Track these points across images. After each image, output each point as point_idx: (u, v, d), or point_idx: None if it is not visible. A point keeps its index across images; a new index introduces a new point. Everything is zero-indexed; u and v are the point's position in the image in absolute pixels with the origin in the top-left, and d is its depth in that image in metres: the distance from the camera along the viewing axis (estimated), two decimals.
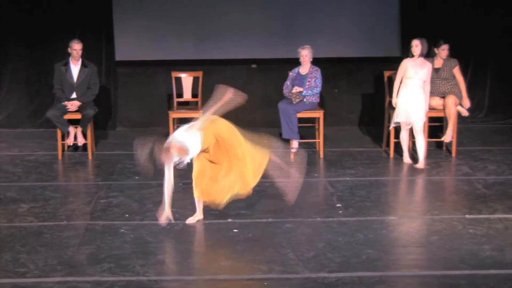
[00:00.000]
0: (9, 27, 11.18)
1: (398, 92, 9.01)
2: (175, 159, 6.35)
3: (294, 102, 9.41)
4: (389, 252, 6.06)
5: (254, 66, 11.55)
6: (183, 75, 10.43)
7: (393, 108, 9.16)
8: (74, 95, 9.58)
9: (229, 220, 6.89)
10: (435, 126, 10.08)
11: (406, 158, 9.13)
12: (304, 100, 9.46)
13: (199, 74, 10.37)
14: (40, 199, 7.65)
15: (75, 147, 9.88)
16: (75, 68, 9.62)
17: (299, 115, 9.41)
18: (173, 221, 6.59)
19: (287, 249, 6.12)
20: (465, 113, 9.55)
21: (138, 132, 11.21)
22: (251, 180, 6.67)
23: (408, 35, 10.26)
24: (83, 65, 9.64)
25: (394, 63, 10.02)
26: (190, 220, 6.80)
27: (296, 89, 9.43)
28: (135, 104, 11.63)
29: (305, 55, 9.56)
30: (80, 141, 9.57)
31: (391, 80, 9.76)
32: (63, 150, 9.62)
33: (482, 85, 11.68)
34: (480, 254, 5.97)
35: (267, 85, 11.37)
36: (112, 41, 11.37)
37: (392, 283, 5.44)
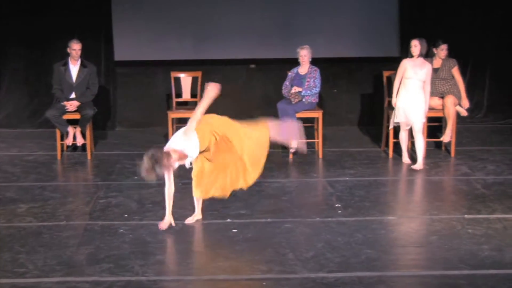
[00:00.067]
0: (9, 27, 11.17)
1: (397, 92, 9.01)
2: (175, 165, 6.36)
3: (293, 102, 9.41)
4: (388, 252, 6.07)
5: (253, 66, 11.55)
6: (182, 75, 10.43)
7: (393, 108, 9.16)
8: (73, 95, 9.58)
9: (228, 220, 6.90)
10: (434, 126, 10.08)
11: (405, 158, 9.13)
12: (303, 100, 9.46)
13: (198, 74, 10.37)
14: (39, 199, 7.65)
15: (74, 147, 9.88)
16: (74, 68, 9.62)
17: (298, 115, 9.41)
18: (174, 225, 6.59)
19: (286, 249, 6.12)
20: (464, 113, 9.55)
21: (137, 132, 11.26)
22: (252, 174, 6.67)
23: (407, 35, 10.26)
24: (82, 65, 9.64)
25: (393, 63, 10.02)
26: (189, 220, 6.81)
27: (295, 89, 9.43)
28: (134, 104, 11.63)
29: (304, 55, 9.56)
30: (79, 141, 9.57)
31: (390, 80, 9.77)
32: (62, 150, 9.62)
33: (481, 85, 11.68)
34: (479, 254, 5.97)
35: (266, 85, 11.37)
36: (111, 41, 11.37)
37: (391, 283, 5.44)
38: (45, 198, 7.69)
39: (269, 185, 8.14)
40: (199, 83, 10.33)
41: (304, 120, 9.73)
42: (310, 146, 9.97)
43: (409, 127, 9.00)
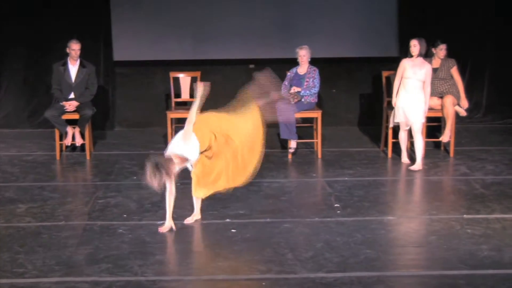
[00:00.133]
0: (8, 27, 11.17)
1: (397, 92, 9.00)
2: (178, 169, 6.38)
3: (292, 102, 9.41)
4: (387, 252, 6.07)
5: (252, 66, 11.53)
6: (181, 75, 10.43)
7: (392, 108, 9.16)
8: (72, 95, 9.58)
9: (228, 220, 6.90)
10: (433, 126, 10.09)
11: (404, 158, 9.13)
12: (302, 100, 9.46)
13: (197, 74, 10.37)
14: (38, 199, 7.65)
15: (73, 147, 9.88)
16: (73, 68, 9.62)
17: (297, 115, 9.41)
18: (174, 229, 6.59)
19: (285, 249, 6.12)
20: (463, 113, 9.55)
21: (136, 132, 11.27)
22: (253, 161, 6.75)
23: (406, 35, 10.27)
24: (82, 65, 9.64)
25: (392, 63, 10.03)
26: (189, 220, 6.81)
27: (294, 89, 9.43)
28: (133, 104, 11.63)
29: (303, 55, 9.56)
30: (78, 141, 9.57)
31: (389, 80, 9.77)
32: (61, 150, 9.62)
33: (480, 85, 11.68)
34: (478, 254, 5.97)
35: None
36: (110, 41, 11.37)
37: (390, 283, 5.44)
38: (44, 198, 7.69)
39: (268, 185, 8.14)
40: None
41: (303, 120, 9.76)
42: (309, 146, 9.98)
43: (408, 127, 8.99)
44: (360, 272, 5.62)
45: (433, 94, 9.28)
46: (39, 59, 11.22)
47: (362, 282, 5.43)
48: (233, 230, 6.61)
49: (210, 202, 7.22)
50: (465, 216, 6.98)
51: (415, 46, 8.87)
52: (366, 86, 11.69)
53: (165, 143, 10.04)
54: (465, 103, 9.48)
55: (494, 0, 11.40)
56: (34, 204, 7.44)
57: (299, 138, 9.60)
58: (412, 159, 9.00)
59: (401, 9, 11.41)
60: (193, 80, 10.38)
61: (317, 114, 9.54)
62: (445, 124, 9.41)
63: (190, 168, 6.54)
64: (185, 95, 10.37)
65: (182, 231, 6.60)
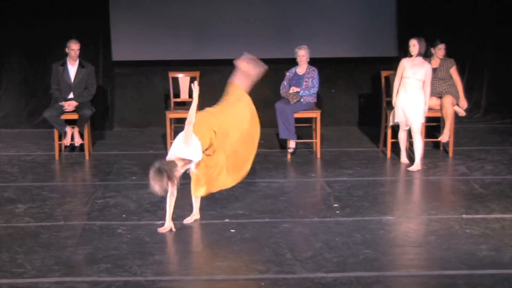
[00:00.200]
0: (7, 28, 11.16)
1: (397, 92, 8.99)
2: (181, 171, 6.38)
3: (292, 103, 9.41)
4: (386, 252, 6.06)
5: None
6: (180, 75, 10.42)
7: (391, 108, 9.16)
8: (71, 95, 9.58)
9: (226, 220, 6.90)
10: (432, 126, 10.09)
11: (403, 158, 9.13)
12: (301, 100, 9.46)
13: (196, 74, 10.36)
14: (37, 199, 7.65)
15: (72, 147, 9.87)
16: (72, 68, 9.62)
17: (296, 115, 9.41)
18: (174, 230, 6.59)
19: (284, 249, 6.12)
20: (462, 113, 9.55)
21: (135, 132, 11.27)
22: (249, 160, 6.83)
23: (405, 36, 10.27)
24: (81, 65, 9.64)
25: (391, 63, 10.04)
26: (188, 220, 6.81)
27: (293, 89, 9.43)
28: (132, 105, 11.63)
29: (302, 55, 9.56)
30: (77, 141, 9.57)
31: (388, 80, 9.78)
32: (60, 151, 9.61)
33: (479, 85, 11.68)
34: (477, 254, 5.97)
35: (264, 85, 11.30)
36: (109, 41, 11.36)
37: (389, 283, 5.44)
38: (43, 198, 7.68)
39: (267, 185, 8.14)
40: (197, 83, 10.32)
41: (302, 120, 9.77)
42: (308, 146, 9.98)
43: (408, 127, 8.98)
44: (359, 272, 5.62)
45: (432, 94, 9.28)
46: (38, 59, 11.21)
47: (361, 282, 5.43)
48: (232, 230, 6.61)
49: (209, 202, 7.23)
50: (464, 216, 6.98)
51: (414, 45, 8.86)
52: (365, 86, 11.69)
53: (164, 143, 10.06)
54: (464, 103, 9.48)
55: (494, 1, 11.39)
56: (33, 204, 7.44)
57: (298, 138, 9.60)
58: (411, 159, 9.00)
59: (399, 9, 11.41)
60: (192, 80, 10.38)
61: (316, 114, 9.54)
62: (444, 124, 9.40)
63: (193, 169, 6.53)
64: (184, 95, 10.36)
65: (181, 231, 6.60)
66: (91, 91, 9.69)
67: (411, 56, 8.92)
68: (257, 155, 9.11)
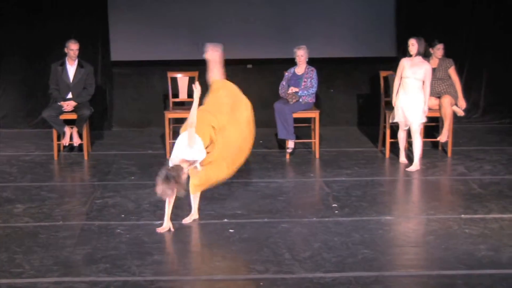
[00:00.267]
0: (6, 28, 11.16)
1: (397, 92, 8.98)
2: (187, 172, 6.39)
3: (290, 103, 9.40)
4: (385, 252, 6.07)
5: (249, 66, 11.55)
6: (179, 75, 10.42)
7: (390, 108, 9.16)
8: (70, 95, 9.58)
9: (225, 220, 6.89)
10: (431, 126, 10.08)
11: (402, 158, 9.13)
12: (300, 100, 9.46)
13: (195, 74, 10.35)
14: (36, 199, 7.64)
15: (71, 148, 9.87)
16: (71, 68, 9.61)
17: (295, 115, 9.41)
18: (172, 230, 6.58)
19: (283, 249, 6.12)
20: (460, 113, 9.56)
21: (134, 132, 11.26)
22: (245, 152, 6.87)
23: (403, 36, 10.27)
24: (80, 65, 9.64)
25: (390, 63, 10.02)
26: (186, 220, 6.81)
27: (292, 89, 9.42)
28: (131, 105, 11.62)
29: (301, 55, 9.56)
30: (76, 141, 9.56)
31: (387, 80, 9.78)
32: (59, 151, 9.61)
33: (478, 85, 11.67)
34: (476, 254, 5.98)
35: (262, 85, 11.36)
36: (108, 42, 11.36)
37: (388, 283, 5.44)
38: (42, 198, 7.68)
39: (266, 185, 8.14)
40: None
41: (301, 120, 9.77)
42: (307, 146, 9.98)
43: (407, 127, 8.97)
44: (358, 272, 5.62)
45: (431, 94, 9.26)
46: (37, 59, 11.20)
47: (360, 282, 5.43)
48: (230, 230, 6.61)
49: (208, 202, 7.23)
50: (462, 216, 6.99)
51: (413, 45, 8.85)
52: (364, 86, 11.69)
53: (163, 143, 10.06)
54: (462, 103, 9.49)
55: (492, 1, 11.39)
56: (32, 204, 7.44)
57: (297, 138, 9.60)
58: (410, 159, 9.00)
59: (398, 9, 11.41)
60: (191, 80, 10.38)
61: (315, 114, 9.54)
62: (442, 124, 9.40)
63: (198, 167, 6.52)
64: (183, 95, 10.35)
65: (180, 231, 6.60)
66: (90, 91, 9.69)
67: (410, 56, 8.91)
68: (256, 155, 9.21)
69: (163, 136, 10.07)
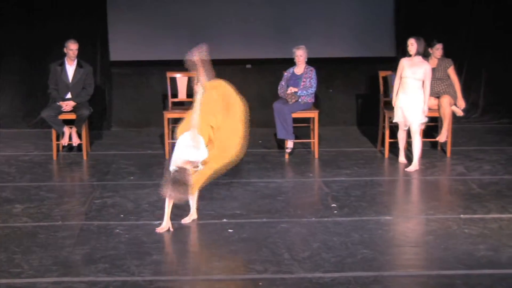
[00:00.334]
0: (5, 28, 11.15)
1: (397, 91, 8.98)
2: (191, 173, 6.41)
3: (290, 103, 9.40)
4: (384, 252, 6.06)
5: (249, 66, 11.55)
6: (178, 75, 10.40)
7: (389, 108, 9.15)
8: (69, 95, 9.57)
9: (224, 220, 6.89)
10: (430, 126, 10.07)
11: (401, 158, 9.12)
12: (299, 100, 9.45)
13: (194, 74, 10.34)
14: (35, 199, 7.64)
15: (70, 147, 9.86)
16: (70, 68, 9.61)
17: (294, 115, 9.41)
18: (171, 230, 6.58)
19: (282, 249, 6.12)
20: (460, 113, 9.55)
21: (133, 132, 11.25)
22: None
23: (403, 36, 10.26)
24: (79, 65, 9.64)
25: (389, 63, 10.02)
26: (186, 220, 6.81)
27: (291, 89, 9.42)
28: (130, 105, 11.62)
29: (300, 55, 9.56)
30: (75, 141, 9.55)
31: (386, 80, 9.78)
32: (58, 151, 9.60)
33: (477, 85, 11.67)
34: (475, 254, 5.98)
35: (261, 85, 11.36)
36: (107, 42, 11.35)
37: (387, 283, 5.44)
38: (41, 198, 7.68)
39: (265, 185, 8.14)
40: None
41: (300, 120, 9.76)
42: (306, 146, 9.98)
43: (407, 127, 8.96)
44: (357, 272, 5.62)
45: (430, 94, 9.27)
46: (36, 59, 11.19)
47: (359, 282, 5.43)
48: (230, 230, 6.61)
49: (207, 202, 7.23)
50: (462, 216, 6.99)
51: (412, 45, 8.84)
52: (363, 86, 11.68)
53: (162, 143, 10.05)
54: (462, 103, 9.48)
55: (492, 1, 11.40)
56: (31, 204, 7.44)
57: (296, 138, 9.60)
58: (409, 159, 9.00)
59: (397, 9, 11.41)
60: (190, 80, 10.37)
61: (314, 114, 9.53)
62: (442, 124, 9.40)
63: (201, 166, 6.53)
64: (182, 95, 10.34)
65: (179, 231, 6.60)
66: (89, 91, 9.69)
67: (409, 56, 8.91)
68: (255, 155, 9.22)
69: (162, 136, 10.07)
